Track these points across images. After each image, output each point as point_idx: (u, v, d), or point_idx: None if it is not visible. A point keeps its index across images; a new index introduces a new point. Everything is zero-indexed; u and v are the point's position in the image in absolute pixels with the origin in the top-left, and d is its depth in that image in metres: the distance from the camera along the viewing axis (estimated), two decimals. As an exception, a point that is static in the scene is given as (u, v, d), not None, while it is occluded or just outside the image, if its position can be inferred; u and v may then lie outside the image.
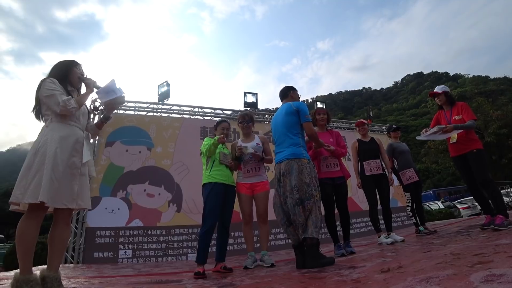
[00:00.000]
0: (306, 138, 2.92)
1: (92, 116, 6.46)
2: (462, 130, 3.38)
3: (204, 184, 2.96)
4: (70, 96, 1.95)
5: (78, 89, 2.20)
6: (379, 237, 3.82)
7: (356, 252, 3.14)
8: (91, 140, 2.25)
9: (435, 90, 3.76)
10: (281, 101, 3.06)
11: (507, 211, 3.21)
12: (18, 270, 1.75)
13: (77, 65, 2.18)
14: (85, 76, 2.20)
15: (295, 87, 3.11)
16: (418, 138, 3.87)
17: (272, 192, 3.34)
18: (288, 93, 3.03)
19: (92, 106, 6.25)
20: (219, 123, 3.27)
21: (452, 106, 3.66)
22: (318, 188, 2.58)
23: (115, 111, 2.88)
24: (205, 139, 3.13)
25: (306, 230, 2.44)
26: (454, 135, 3.47)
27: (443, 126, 3.39)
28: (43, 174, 1.76)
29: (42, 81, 2.00)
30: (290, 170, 2.56)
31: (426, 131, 3.59)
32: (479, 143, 3.42)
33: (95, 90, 2.16)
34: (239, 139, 3.42)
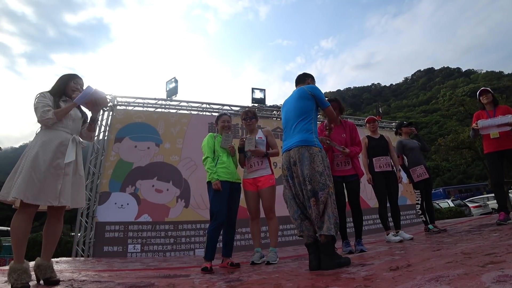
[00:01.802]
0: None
1: (101, 113, 6.55)
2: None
3: (209, 182, 2.93)
4: (49, 108, 2.10)
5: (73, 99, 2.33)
6: (387, 234, 3.79)
7: (366, 251, 3.09)
8: (83, 142, 2.36)
9: (484, 88, 4.06)
10: (296, 87, 2.77)
11: None
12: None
13: (74, 79, 2.35)
14: (80, 88, 2.35)
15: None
16: (479, 122, 3.87)
17: (280, 187, 3.33)
18: (306, 79, 2.74)
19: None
20: (219, 117, 3.27)
21: (495, 107, 3.90)
22: (331, 179, 2.30)
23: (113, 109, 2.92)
24: (206, 138, 3.13)
25: (321, 226, 2.16)
26: (496, 132, 3.68)
27: (510, 117, 3.61)
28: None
29: (35, 96, 2.18)
30: (301, 158, 2.27)
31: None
32: None
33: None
34: (248, 136, 3.42)
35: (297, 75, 2.83)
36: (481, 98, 3.99)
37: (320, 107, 2.52)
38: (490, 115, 3.82)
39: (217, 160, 3.01)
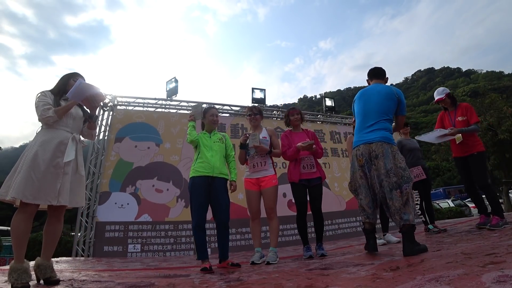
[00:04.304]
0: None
1: (101, 112, 6.55)
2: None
3: (190, 179, 2.91)
4: (49, 107, 2.11)
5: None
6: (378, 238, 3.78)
7: (327, 255, 3.08)
8: (85, 140, 2.36)
9: (437, 98, 3.84)
10: (371, 79, 2.83)
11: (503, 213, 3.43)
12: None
13: (74, 77, 2.34)
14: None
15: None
16: (417, 138, 3.99)
17: (280, 187, 3.33)
18: (384, 74, 2.81)
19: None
20: (207, 110, 3.17)
21: (455, 106, 3.74)
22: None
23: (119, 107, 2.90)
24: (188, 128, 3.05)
25: (404, 216, 2.27)
26: (459, 135, 3.53)
27: (449, 130, 3.53)
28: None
29: (36, 95, 2.18)
30: (384, 152, 2.41)
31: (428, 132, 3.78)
32: (481, 146, 3.53)
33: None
34: (251, 132, 3.38)
35: (374, 67, 2.85)
36: (441, 105, 3.91)
37: (399, 112, 2.65)
38: (451, 115, 3.74)
39: (198, 155, 2.95)
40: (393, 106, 2.58)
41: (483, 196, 3.58)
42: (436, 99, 3.85)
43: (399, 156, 2.44)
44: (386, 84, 2.78)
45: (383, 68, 2.83)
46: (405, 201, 2.30)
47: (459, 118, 3.61)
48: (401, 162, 2.40)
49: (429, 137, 3.79)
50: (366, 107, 2.63)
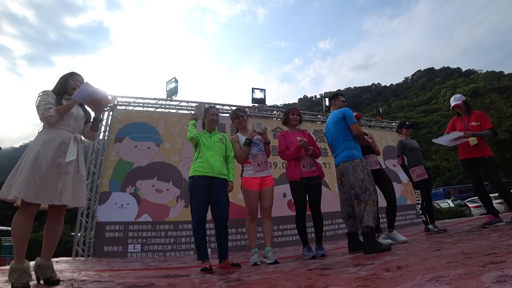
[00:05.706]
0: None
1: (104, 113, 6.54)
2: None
3: (189, 178, 2.91)
4: (51, 106, 2.11)
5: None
6: (378, 237, 3.75)
7: (327, 255, 3.07)
8: (85, 140, 2.36)
9: (454, 104, 4.00)
10: (330, 107, 3.55)
11: None
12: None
13: (72, 76, 2.36)
14: (79, 84, 2.35)
15: (338, 94, 3.64)
16: (434, 140, 4.21)
17: (280, 187, 3.34)
18: (330, 102, 3.53)
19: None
20: (207, 109, 3.19)
21: (469, 113, 3.93)
22: (372, 183, 2.93)
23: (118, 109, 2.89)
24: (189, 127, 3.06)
25: (362, 219, 2.77)
26: (474, 138, 3.72)
27: (463, 133, 3.72)
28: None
29: (38, 94, 2.18)
30: (346, 170, 2.98)
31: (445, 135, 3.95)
32: (490, 151, 3.75)
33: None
34: (237, 134, 3.37)
35: (329, 98, 3.60)
36: (454, 109, 4.05)
37: (348, 123, 3.09)
38: (465, 121, 3.90)
39: (198, 154, 2.94)
40: (343, 124, 3.11)
41: (496, 194, 3.73)
42: (452, 105, 4.01)
43: (359, 169, 2.91)
44: (339, 106, 3.34)
45: (335, 93, 3.60)
46: (363, 208, 2.77)
47: (473, 123, 3.81)
48: (360, 174, 2.88)
49: (444, 139, 3.95)
50: (330, 137, 3.25)
